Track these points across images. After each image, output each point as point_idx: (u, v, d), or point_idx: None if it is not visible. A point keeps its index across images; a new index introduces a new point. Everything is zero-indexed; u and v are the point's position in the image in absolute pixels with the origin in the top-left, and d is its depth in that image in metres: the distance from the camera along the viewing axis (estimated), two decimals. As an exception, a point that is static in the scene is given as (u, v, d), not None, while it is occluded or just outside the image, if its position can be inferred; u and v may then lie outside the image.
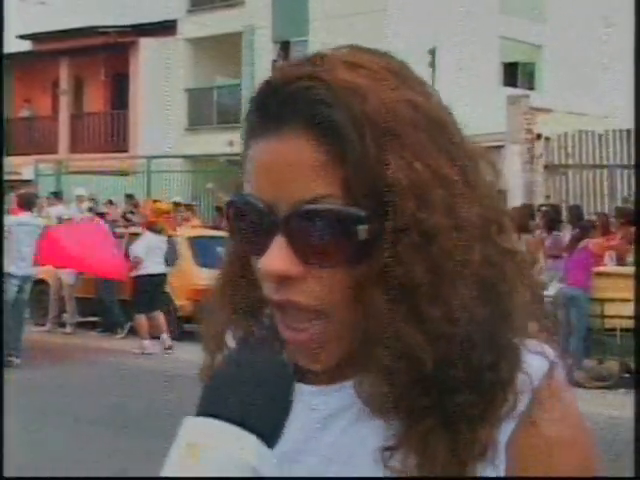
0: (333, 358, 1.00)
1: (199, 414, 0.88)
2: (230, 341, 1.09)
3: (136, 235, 13.88)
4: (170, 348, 12.90)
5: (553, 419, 1.00)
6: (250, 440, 0.86)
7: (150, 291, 13.03)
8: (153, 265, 13.02)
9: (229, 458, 0.85)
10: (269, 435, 0.88)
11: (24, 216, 11.83)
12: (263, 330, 1.06)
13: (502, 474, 0.99)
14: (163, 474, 0.86)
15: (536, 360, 1.02)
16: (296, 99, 0.96)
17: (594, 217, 13.67)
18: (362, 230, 0.94)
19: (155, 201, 15.51)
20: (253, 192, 0.99)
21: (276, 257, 0.95)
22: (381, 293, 0.94)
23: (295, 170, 0.95)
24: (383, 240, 0.94)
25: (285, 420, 0.90)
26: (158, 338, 13.12)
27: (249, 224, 0.99)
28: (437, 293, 0.94)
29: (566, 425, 1.01)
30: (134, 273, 12.97)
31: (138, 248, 12.99)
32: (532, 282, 1.06)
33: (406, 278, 0.94)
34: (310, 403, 1.04)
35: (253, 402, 0.88)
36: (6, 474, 4.67)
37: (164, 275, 13.31)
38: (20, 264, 11.35)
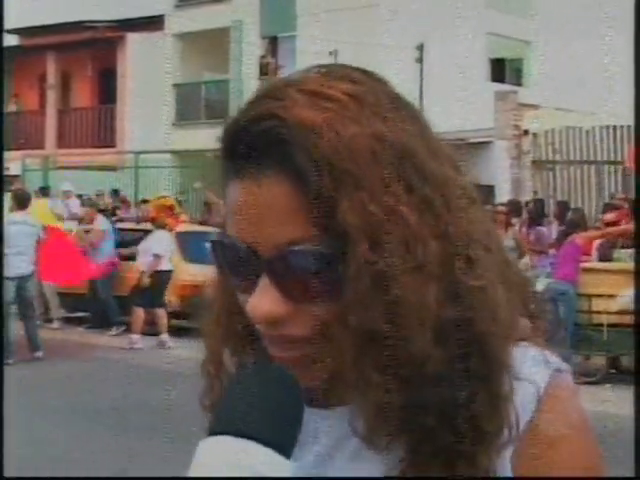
0: (322, 376, 1.00)
1: (223, 432, 0.89)
2: (228, 364, 1.10)
3: (124, 231, 13.81)
4: (168, 348, 12.86)
5: (556, 435, 0.99)
6: (275, 457, 0.88)
7: (161, 287, 13.13)
8: (166, 261, 13.13)
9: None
10: (287, 447, 0.90)
11: (19, 215, 11.82)
12: (259, 352, 1.07)
13: None
14: None
15: (538, 372, 1.00)
16: (260, 140, 0.95)
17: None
18: (338, 268, 0.94)
19: (159, 197, 15.52)
20: (234, 233, 0.99)
21: (263, 299, 0.97)
22: (345, 333, 0.94)
23: (271, 213, 0.95)
24: (345, 282, 0.94)
25: (298, 430, 0.92)
26: (154, 335, 13.13)
27: (235, 263, 1.00)
28: (396, 337, 0.93)
29: (570, 440, 1.00)
30: (153, 269, 12.99)
31: (159, 246, 13.00)
32: (524, 294, 1.06)
33: (365, 321, 0.93)
34: (320, 426, 1.05)
35: (268, 416, 0.90)
36: (6, 474, 4.67)
37: (171, 272, 13.40)
38: (17, 264, 11.29)
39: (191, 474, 0.88)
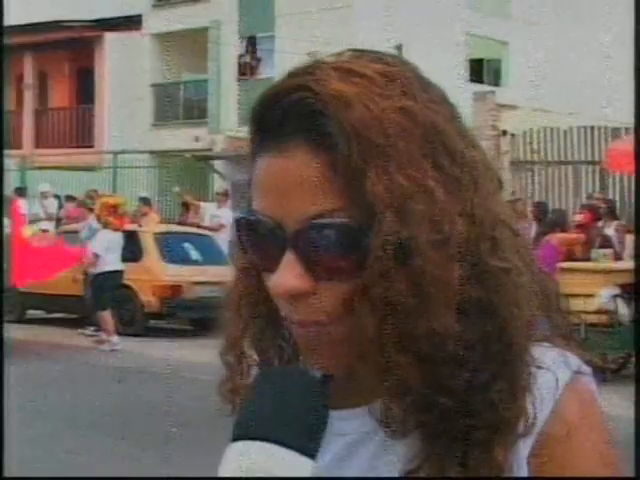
0: (344, 359, 0.99)
1: (247, 437, 0.89)
2: (249, 351, 1.10)
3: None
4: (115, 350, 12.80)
5: (575, 434, 0.98)
6: (301, 461, 0.88)
7: (110, 288, 12.96)
8: (112, 262, 12.90)
9: None
10: (312, 451, 0.90)
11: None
12: (282, 340, 1.07)
13: None
14: None
15: (558, 371, 1.00)
16: (291, 112, 0.95)
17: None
18: (365, 243, 0.93)
19: (101, 196, 15.38)
20: (260, 209, 0.98)
21: (287, 275, 0.96)
22: (368, 308, 0.93)
23: (300, 185, 0.95)
24: (370, 255, 0.93)
25: (324, 433, 0.92)
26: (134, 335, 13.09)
27: (258, 240, 1.00)
28: (419, 312, 0.92)
29: (589, 440, 0.99)
30: (94, 270, 12.86)
31: (97, 245, 12.86)
32: (544, 290, 1.05)
33: (388, 295, 0.92)
34: (338, 428, 1.03)
35: (294, 419, 0.90)
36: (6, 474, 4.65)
37: (122, 272, 13.21)
38: None
39: None
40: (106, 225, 12.99)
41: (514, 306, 0.96)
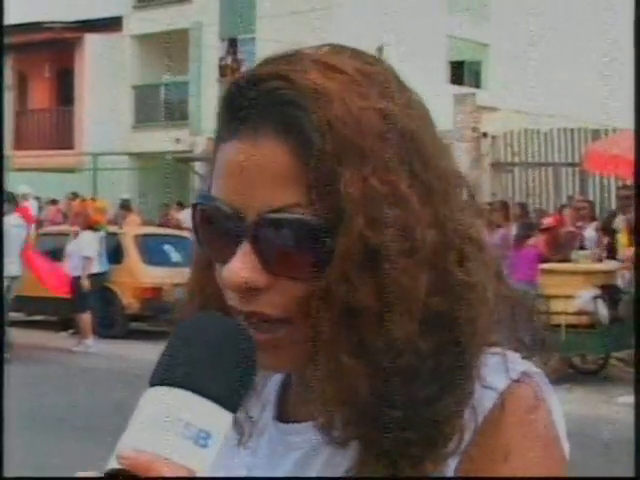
0: (294, 362, 0.96)
1: (160, 383, 0.84)
2: None
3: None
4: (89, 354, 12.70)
5: (508, 446, 0.91)
6: (220, 415, 0.83)
7: (93, 290, 12.92)
8: (99, 264, 12.92)
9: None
10: (232, 402, 0.85)
11: (12, 217, 11.81)
12: None
13: None
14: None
15: (495, 381, 0.94)
16: (264, 99, 0.92)
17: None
18: (326, 242, 0.90)
19: (93, 199, 15.37)
20: (221, 196, 0.94)
21: (241, 266, 0.91)
22: (326, 310, 0.89)
23: (265, 175, 0.91)
24: (334, 256, 0.89)
25: (249, 386, 0.87)
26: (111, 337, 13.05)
27: (215, 229, 0.95)
28: (380, 319, 0.89)
29: (520, 453, 0.92)
30: (85, 273, 12.84)
31: (88, 248, 12.84)
32: (513, 306, 1.00)
33: (350, 299, 0.89)
34: (291, 441, 1.01)
35: (214, 369, 0.84)
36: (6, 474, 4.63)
37: (104, 274, 13.20)
38: (8, 266, 11.26)
39: (128, 429, 0.83)
40: (100, 229, 13.00)
41: (474, 322, 0.92)
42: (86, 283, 12.79)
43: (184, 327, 0.89)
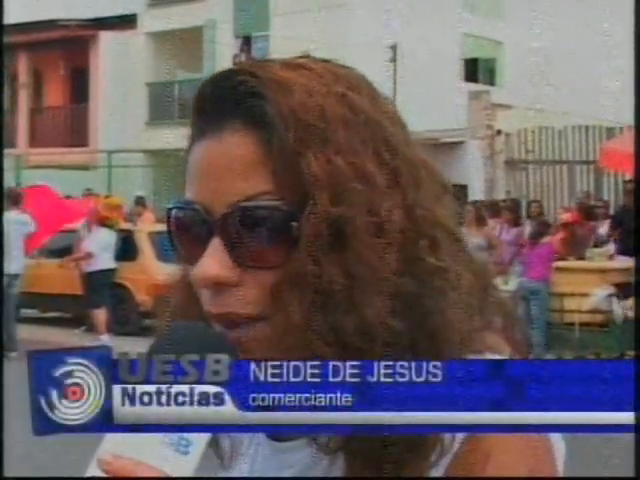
0: (274, 356, 0.92)
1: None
2: None
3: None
4: None
5: (491, 448, 0.87)
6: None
7: (103, 286, 12.95)
8: (106, 261, 12.91)
9: None
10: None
11: (13, 213, 11.77)
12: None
13: None
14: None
15: None
16: (230, 95, 0.92)
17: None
18: (294, 227, 0.89)
19: (107, 196, 15.38)
20: (192, 197, 0.94)
21: (211, 262, 0.90)
22: (297, 297, 0.88)
23: (232, 169, 0.90)
24: (301, 239, 0.88)
25: None
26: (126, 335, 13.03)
27: (189, 231, 0.95)
28: (350, 300, 0.87)
29: (508, 453, 0.88)
30: (88, 269, 12.85)
31: (91, 244, 12.85)
32: (485, 293, 0.97)
33: (319, 282, 0.87)
34: (284, 460, 0.99)
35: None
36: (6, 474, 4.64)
37: (114, 270, 13.22)
38: (11, 262, 11.27)
39: (108, 435, 0.83)
40: (113, 225, 13.01)
41: (448, 310, 0.90)
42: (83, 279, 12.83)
43: (163, 337, 0.90)
